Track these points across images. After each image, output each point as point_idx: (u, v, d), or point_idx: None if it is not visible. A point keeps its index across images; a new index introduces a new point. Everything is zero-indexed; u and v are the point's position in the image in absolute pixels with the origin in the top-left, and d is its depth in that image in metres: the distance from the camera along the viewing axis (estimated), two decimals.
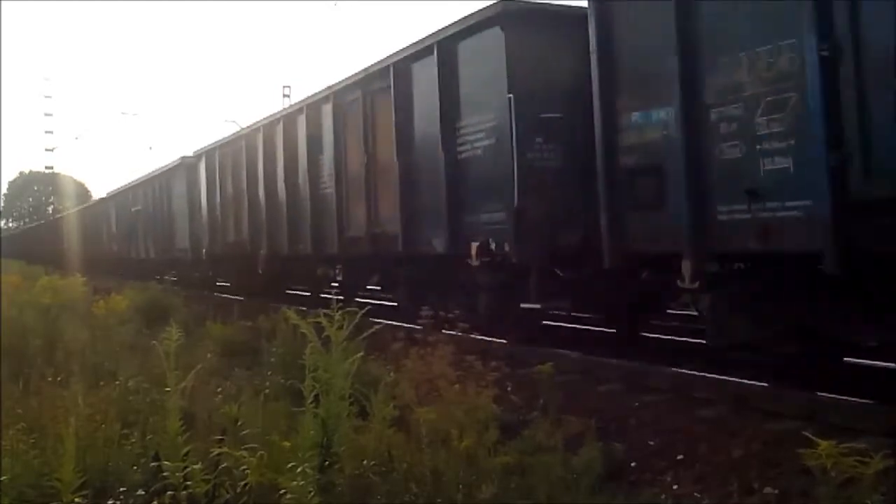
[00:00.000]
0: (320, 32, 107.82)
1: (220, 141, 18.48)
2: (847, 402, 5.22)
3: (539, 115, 7.89)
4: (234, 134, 17.67)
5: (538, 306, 8.34)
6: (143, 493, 3.87)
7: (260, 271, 15.51)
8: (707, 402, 5.80)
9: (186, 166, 20.49)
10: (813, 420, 4.98)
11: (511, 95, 7.83)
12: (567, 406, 5.76)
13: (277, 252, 14.62)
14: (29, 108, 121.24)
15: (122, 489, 3.98)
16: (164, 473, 3.77)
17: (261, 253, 15.25)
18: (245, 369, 7.48)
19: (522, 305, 8.39)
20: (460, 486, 3.89)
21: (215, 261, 18.94)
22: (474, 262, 8.37)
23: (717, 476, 4.51)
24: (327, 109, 12.34)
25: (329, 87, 12.22)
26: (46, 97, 64.72)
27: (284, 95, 36.22)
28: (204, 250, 19.01)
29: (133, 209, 27.11)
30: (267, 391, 5.53)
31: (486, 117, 8.39)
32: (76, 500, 3.65)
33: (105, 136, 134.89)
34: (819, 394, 5.46)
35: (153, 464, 3.99)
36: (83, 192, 72.93)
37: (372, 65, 10.83)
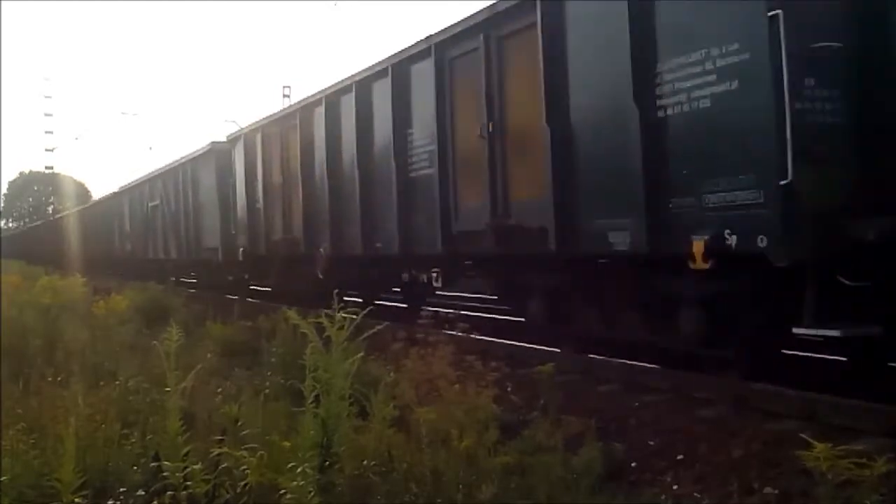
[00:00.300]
0: (320, 32, 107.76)
1: (263, 120, 15.16)
2: (847, 403, 5.22)
3: (810, 44, 5.28)
4: (283, 110, 14.39)
5: (835, 333, 5.29)
6: (143, 493, 3.88)
7: (320, 275, 12.37)
8: (707, 402, 5.80)
9: (217, 153, 17.52)
10: (813, 420, 4.99)
11: (779, 12, 5.15)
12: (567, 406, 5.76)
13: (345, 252, 11.67)
14: (29, 108, 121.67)
15: (122, 489, 3.98)
16: (164, 473, 3.77)
17: (320, 253, 12.34)
18: (245, 369, 7.49)
19: (795, 331, 5.55)
20: (460, 486, 3.90)
21: (255, 262, 15.90)
22: (699, 265, 5.77)
23: (717, 476, 4.51)
24: (424, 68, 9.43)
25: (428, 38, 9.35)
26: (46, 97, 64.78)
27: (284, 95, 36.24)
28: (241, 250, 15.99)
29: (150, 204, 24.03)
30: (267, 391, 5.54)
31: (720, 52, 5.64)
32: (76, 500, 3.66)
33: (105, 136, 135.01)
34: (819, 394, 5.45)
35: (153, 464, 3.99)
36: (83, 192, 72.94)
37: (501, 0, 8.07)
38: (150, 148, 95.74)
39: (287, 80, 71.52)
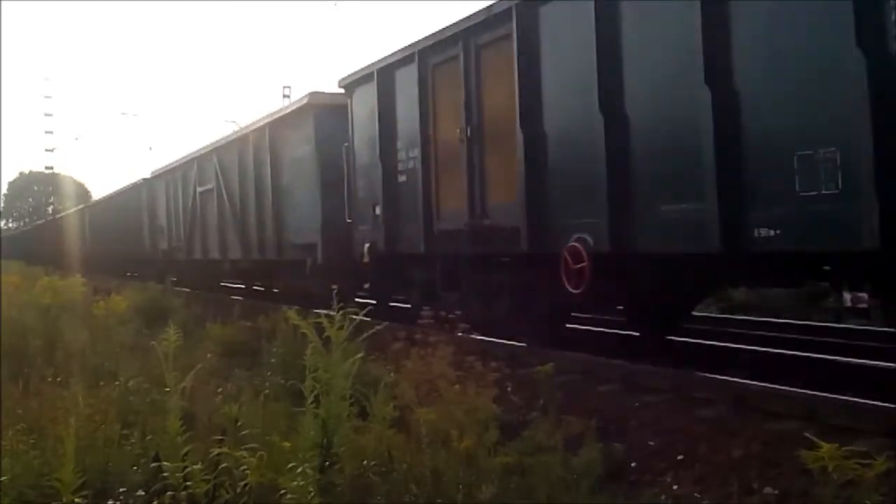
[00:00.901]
0: (320, 32, 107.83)
1: (420, 42, 9.57)
2: (847, 403, 5.22)
3: None
4: (468, 19, 8.67)
5: None
6: (143, 493, 3.88)
7: (571, 289, 7.08)
8: (707, 402, 5.79)
9: (318, 109, 12.48)
10: (813, 420, 4.98)
11: None
12: (567, 406, 5.75)
13: (653, 246, 6.56)
14: (29, 108, 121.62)
15: (122, 489, 3.99)
16: (164, 474, 3.78)
17: (577, 250, 7.04)
18: (245, 370, 7.48)
19: None
20: (460, 487, 3.90)
21: (395, 264, 10.62)
22: None
23: (717, 476, 4.51)
24: None
25: None
26: (46, 97, 64.53)
27: (284, 96, 36.25)
28: (366, 247, 10.68)
29: (199, 190, 18.82)
30: (267, 391, 5.53)
31: None
32: (76, 500, 3.66)
33: (105, 136, 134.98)
34: (819, 394, 5.45)
35: (153, 464, 4.00)
36: (83, 192, 72.92)
37: None
38: (150, 148, 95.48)
39: (287, 80, 71.34)
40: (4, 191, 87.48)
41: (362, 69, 10.95)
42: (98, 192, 65.70)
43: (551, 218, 7.52)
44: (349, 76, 11.36)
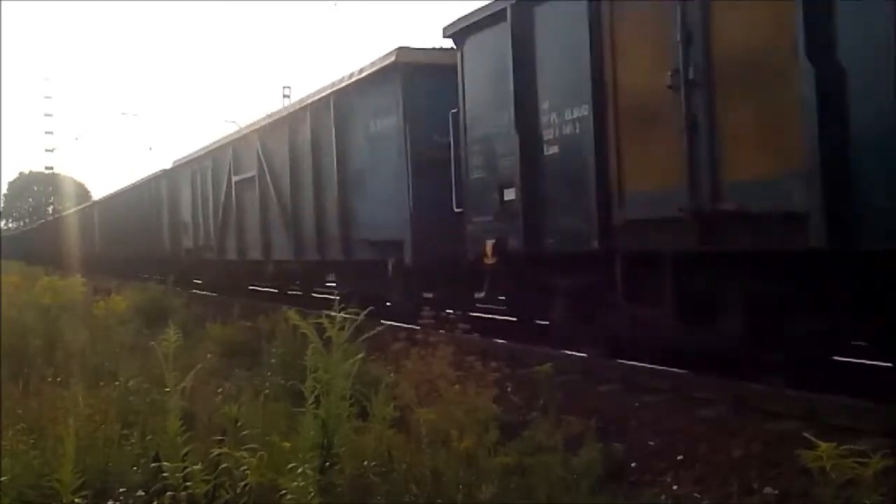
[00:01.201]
0: (320, 32, 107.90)
1: None
2: (847, 403, 5.21)
3: None
4: None
5: None
6: (143, 493, 3.88)
7: None
8: (707, 402, 5.79)
9: (405, 69, 9.82)
10: (813, 420, 4.99)
11: None
12: (567, 406, 5.76)
13: None
14: (29, 109, 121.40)
15: (122, 489, 3.99)
16: (164, 474, 3.78)
17: None
18: (245, 370, 7.49)
19: None
20: (460, 487, 3.90)
21: (538, 267, 7.96)
22: None
23: (717, 476, 4.51)
24: None
25: None
26: (46, 97, 64.79)
27: (284, 96, 36.33)
28: (489, 243, 8.07)
29: (234, 179, 16.20)
30: (267, 392, 5.53)
31: None
32: (76, 500, 3.66)
33: (105, 136, 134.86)
34: (819, 394, 5.45)
35: (153, 464, 4.00)
36: (83, 192, 72.97)
37: None
38: (150, 148, 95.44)
39: (287, 80, 71.38)
40: (4, 191, 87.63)
41: (484, 7, 8.26)
42: (98, 192, 65.60)
43: (872, 197, 4.84)
44: (460, 20, 8.60)
